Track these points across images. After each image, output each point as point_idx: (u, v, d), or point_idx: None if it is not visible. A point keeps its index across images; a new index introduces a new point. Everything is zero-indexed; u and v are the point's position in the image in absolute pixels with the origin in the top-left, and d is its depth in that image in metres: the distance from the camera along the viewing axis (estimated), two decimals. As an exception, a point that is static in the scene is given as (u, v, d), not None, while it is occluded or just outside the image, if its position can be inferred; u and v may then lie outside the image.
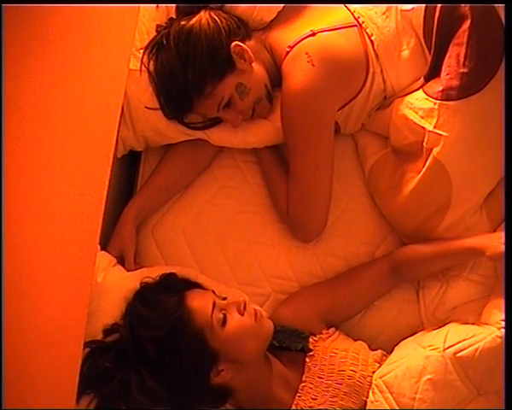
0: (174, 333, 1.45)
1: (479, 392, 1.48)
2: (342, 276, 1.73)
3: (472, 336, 1.50)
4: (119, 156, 1.79)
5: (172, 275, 1.61)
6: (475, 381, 1.48)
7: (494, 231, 1.65)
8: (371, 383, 1.53)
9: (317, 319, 1.66)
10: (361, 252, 1.79)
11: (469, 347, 1.47)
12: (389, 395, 1.48)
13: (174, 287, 1.55)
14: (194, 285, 1.60)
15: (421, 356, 1.50)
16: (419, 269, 1.69)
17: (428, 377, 1.47)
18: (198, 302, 1.49)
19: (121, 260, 1.73)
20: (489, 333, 1.47)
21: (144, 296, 1.55)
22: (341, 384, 1.53)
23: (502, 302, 1.51)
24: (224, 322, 1.47)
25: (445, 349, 1.48)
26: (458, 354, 1.47)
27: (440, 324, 1.64)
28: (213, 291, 1.58)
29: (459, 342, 1.49)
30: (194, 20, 1.64)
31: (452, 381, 1.47)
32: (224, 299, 1.55)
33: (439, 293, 1.71)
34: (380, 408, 1.48)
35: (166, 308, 1.48)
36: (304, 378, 1.56)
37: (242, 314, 1.50)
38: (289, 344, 1.61)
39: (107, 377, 1.47)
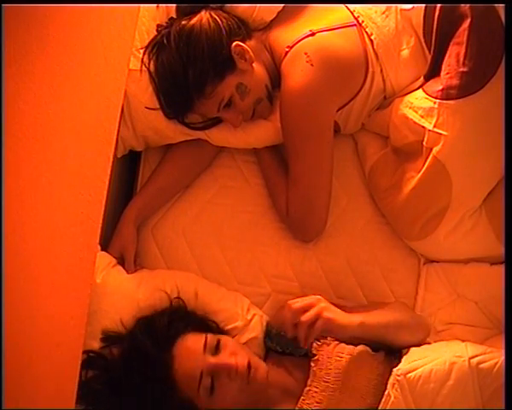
0: (161, 399, 1.45)
1: (483, 407, 1.48)
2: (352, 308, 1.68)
3: (491, 352, 1.51)
4: (119, 156, 1.79)
5: (163, 317, 1.56)
6: (485, 396, 1.47)
7: (494, 232, 1.65)
8: (377, 386, 1.53)
9: None
10: (361, 252, 1.79)
11: (490, 360, 1.47)
12: (409, 394, 1.47)
13: (164, 334, 1.51)
14: (192, 321, 1.57)
15: (446, 361, 1.49)
16: None
17: (450, 383, 1.46)
18: (186, 366, 1.45)
19: (121, 261, 1.73)
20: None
21: (136, 345, 1.51)
22: (347, 389, 1.51)
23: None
24: (211, 390, 1.44)
25: (470, 358, 1.48)
26: (480, 366, 1.47)
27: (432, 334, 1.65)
28: (208, 334, 1.52)
29: (482, 354, 1.50)
30: (194, 20, 1.64)
31: (468, 391, 1.47)
32: (221, 337, 1.51)
33: (445, 301, 1.71)
34: (397, 405, 1.47)
35: (154, 373, 1.45)
36: (309, 383, 1.54)
37: (232, 380, 1.46)
38: (293, 350, 1.61)
39: (98, 400, 1.48)
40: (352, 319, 1.47)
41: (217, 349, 1.49)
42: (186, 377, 1.45)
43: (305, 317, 1.41)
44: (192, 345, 1.49)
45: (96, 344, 1.55)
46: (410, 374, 1.49)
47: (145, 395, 1.46)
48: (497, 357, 1.47)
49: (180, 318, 1.57)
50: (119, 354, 1.54)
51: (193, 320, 1.58)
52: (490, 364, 1.46)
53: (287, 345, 1.61)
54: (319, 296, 1.46)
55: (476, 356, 1.49)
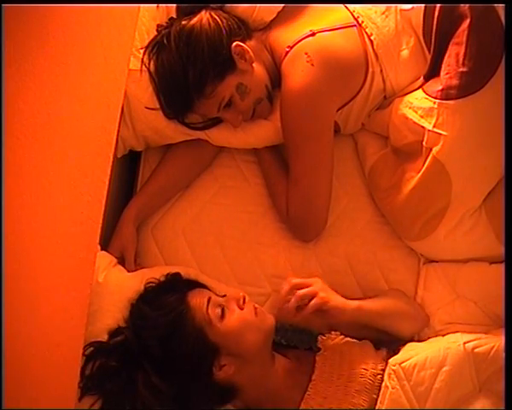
0: (175, 330, 1.47)
1: (480, 390, 1.49)
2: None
3: (486, 337, 1.52)
4: (119, 156, 1.79)
5: (177, 275, 1.62)
6: (482, 379, 1.49)
7: (494, 232, 1.65)
8: (381, 380, 1.53)
9: (326, 324, 1.64)
10: (361, 252, 1.79)
11: (486, 344, 1.49)
12: (406, 382, 1.48)
13: (177, 286, 1.56)
14: (198, 285, 1.60)
15: (441, 347, 1.51)
16: None
17: (447, 368, 1.48)
18: (196, 300, 1.50)
19: (122, 261, 1.74)
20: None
21: (148, 297, 1.56)
22: (353, 383, 1.52)
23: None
24: (222, 316, 1.48)
25: (464, 343, 1.50)
26: (476, 350, 1.49)
27: (430, 333, 1.67)
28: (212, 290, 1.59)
29: (477, 339, 1.51)
30: (194, 20, 1.64)
31: (464, 375, 1.49)
32: (223, 296, 1.56)
33: (444, 301, 1.71)
34: (395, 395, 1.48)
35: (167, 306, 1.49)
36: (314, 377, 1.55)
37: (242, 309, 1.51)
38: (298, 343, 1.62)
39: (113, 375, 1.48)
40: (349, 303, 1.53)
41: (223, 296, 1.56)
42: (197, 305, 1.48)
43: (302, 291, 1.49)
44: (201, 290, 1.57)
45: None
46: (404, 363, 1.50)
47: (161, 342, 1.47)
48: (493, 342, 1.48)
49: (188, 280, 1.62)
50: (129, 318, 1.56)
51: (199, 283, 1.62)
52: (486, 348, 1.47)
53: (292, 338, 1.62)
54: (318, 279, 1.53)
55: (471, 341, 1.51)
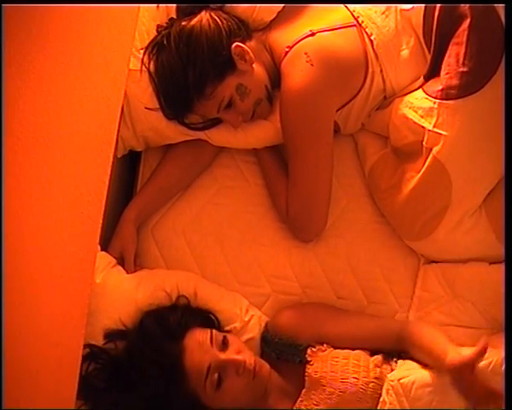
0: (167, 384, 1.45)
1: (474, 407, 1.48)
2: (350, 313, 1.71)
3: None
4: (119, 156, 1.79)
5: (174, 310, 1.58)
6: None
7: (494, 232, 1.65)
8: (375, 388, 1.53)
9: (315, 337, 1.63)
10: (361, 252, 1.78)
11: (485, 359, 1.46)
12: (404, 399, 1.48)
13: (176, 327, 1.53)
14: (199, 317, 1.58)
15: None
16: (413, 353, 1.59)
17: (446, 385, 1.46)
18: (195, 359, 1.46)
19: (121, 261, 1.73)
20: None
21: (146, 335, 1.52)
22: (344, 392, 1.51)
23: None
24: (218, 384, 1.45)
25: None
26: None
27: None
28: (213, 329, 1.53)
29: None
30: (194, 21, 1.64)
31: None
32: (226, 334, 1.52)
33: (441, 300, 1.71)
34: None
35: (163, 363, 1.46)
36: (306, 385, 1.55)
37: (240, 375, 1.47)
38: (288, 357, 1.61)
39: (100, 395, 1.49)
40: None
41: (223, 345, 1.50)
42: (194, 370, 1.45)
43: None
44: (201, 338, 1.50)
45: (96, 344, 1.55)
46: (403, 380, 1.49)
47: (149, 389, 1.46)
48: (492, 356, 1.47)
49: (189, 312, 1.58)
50: (124, 347, 1.54)
51: (199, 315, 1.60)
52: (484, 364, 1.46)
53: (282, 352, 1.61)
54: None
55: None
